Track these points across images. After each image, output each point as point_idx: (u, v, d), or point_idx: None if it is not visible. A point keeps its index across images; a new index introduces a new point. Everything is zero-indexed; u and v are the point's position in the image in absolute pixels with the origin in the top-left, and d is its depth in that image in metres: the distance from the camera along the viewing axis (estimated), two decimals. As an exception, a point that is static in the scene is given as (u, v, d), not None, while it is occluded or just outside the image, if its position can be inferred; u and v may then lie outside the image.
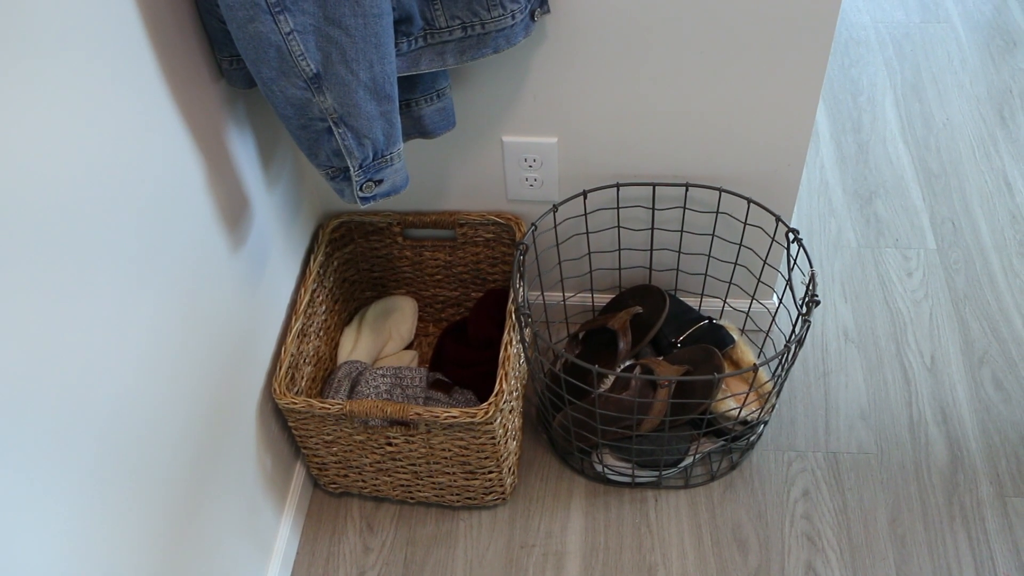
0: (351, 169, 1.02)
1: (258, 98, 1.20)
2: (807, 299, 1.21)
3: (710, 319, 1.49)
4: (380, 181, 1.06)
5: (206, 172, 1.05)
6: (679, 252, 1.45)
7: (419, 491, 1.38)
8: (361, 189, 1.05)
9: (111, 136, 0.85)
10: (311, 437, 1.31)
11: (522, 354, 1.37)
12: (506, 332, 1.27)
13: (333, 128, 0.98)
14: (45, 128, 0.75)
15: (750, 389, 1.24)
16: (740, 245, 1.39)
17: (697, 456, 1.41)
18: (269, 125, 1.25)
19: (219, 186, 1.09)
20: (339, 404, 1.21)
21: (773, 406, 1.39)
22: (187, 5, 1.00)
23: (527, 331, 1.32)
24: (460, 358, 1.49)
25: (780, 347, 1.58)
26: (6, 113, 0.69)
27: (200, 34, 1.05)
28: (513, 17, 1.06)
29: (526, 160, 1.35)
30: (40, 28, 0.74)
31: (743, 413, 1.36)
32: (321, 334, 1.44)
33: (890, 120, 2.06)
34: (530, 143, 1.33)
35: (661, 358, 1.43)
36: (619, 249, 1.44)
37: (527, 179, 1.38)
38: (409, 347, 1.61)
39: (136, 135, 0.90)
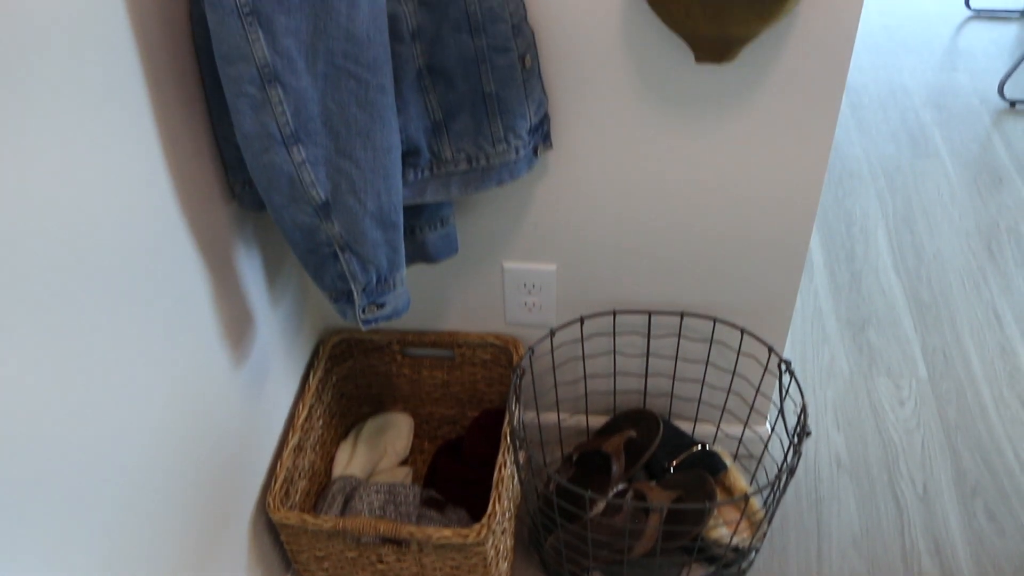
0: (355, 293, 1.06)
1: (267, 219, 1.24)
2: (798, 430, 1.23)
3: (703, 444, 1.51)
4: (382, 305, 1.09)
5: (213, 289, 1.09)
6: (673, 378, 1.48)
7: (409, 612, 1.37)
8: (363, 312, 1.08)
9: (125, 253, 0.89)
10: (303, 552, 1.31)
11: (516, 476, 1.39)
12: (501, 454, 1.29)
13: (339, 253, 1.02)
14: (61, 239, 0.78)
15: (742, 516, 1.25)
16: (734, 373, 1.41)
17: (689, 584, 1.40)
18: (276, 245, 1.29)
19: (225, 303, 1.13)
20: (332, 521, 1.22)
21: (765, 533, 1.39)
22: (205, 132, 1.05)
23: (521, 453, 1.33)
24: (454, 476, 1.50)
25: (773, 473, 1.59)
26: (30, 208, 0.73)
27: (216, 158, 1.10)
28: (517, 152, 1.12)
29: (525, 285, 1.39)
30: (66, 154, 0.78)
31: (735, 539, 1.37)
32: (317, 448, 1.46)
33: (882, 250, 2.11)
34: (530, 269, 1.37)
35: (654, 482, 1.44)
36: (614, 374, 1.47)
37: (526, 303, 1.42)
38: (404, 463, 1.62)
39: (149, 252, 0.94)
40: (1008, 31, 2.90)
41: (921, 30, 2.92)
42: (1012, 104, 2.55)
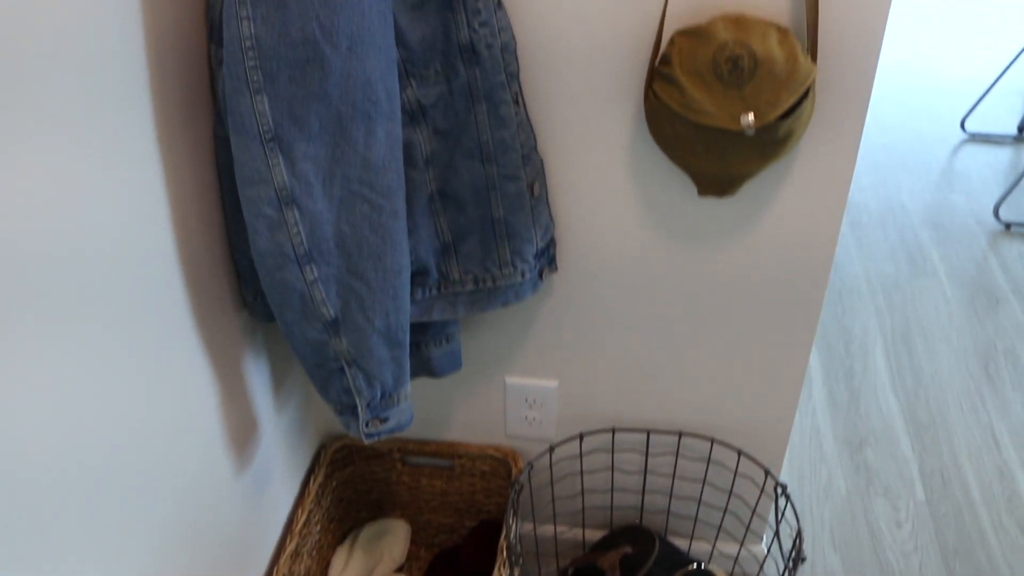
0: (359, 407, 1.08)
1: (277, 328, 1.27)
2: (793, 556, 1.23)
3: (699, 563, 1.50)
4: (386, 419, 1.11)
5: (220, 396, 1.11)
6: (670, 496, 1.48)
7: None
8: (367, 426, 1.10)
9: (136, 359, 0.91)
10: (294, 665, 1.30)
11: (511, 590, 1.38)
12: (497, 568, 1.29)
13: (346, 369, 1.05)
14: (72, 362, 0.81)
15: (736, 644, 1.24)
16: (730, 493, 1.42)
17: None
18: (284, 353, 1.32)
19: (231, 410, 1.14)
20: (326, 635, 1.21)
21: (760, 660, 1.38)
22: (221, 243, 1.09)
23: (517, 570, 1.33)
24: (449, 587, 1.50)
25: (769, 595, 1.58)
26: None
27: (230, 268, 1.13)
28: (523, 276, 1.15)
29: (527, 400, 1.41)
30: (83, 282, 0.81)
31: (730, 666, 1.35)
32: (314, 553, 1.45)
33: (880, 369, 2.13)
34: (531, 385, 1.39)
35: (649, 602, 1.43)
36: (612, 490, 1.48)
37: (527, 417, 1.43)
38: (400, 570, 1.61)
39: (159, 360, 0.96)
40: (1002, 154, 2.98)
41: (919, 150, 2.99)
42: (1007, 226, 2.61)
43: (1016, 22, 3.70)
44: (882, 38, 1.02)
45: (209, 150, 1.06)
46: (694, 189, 1.16)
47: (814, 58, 1.01)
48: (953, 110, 3.21)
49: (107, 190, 0.84)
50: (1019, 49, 3.47)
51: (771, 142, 1.00)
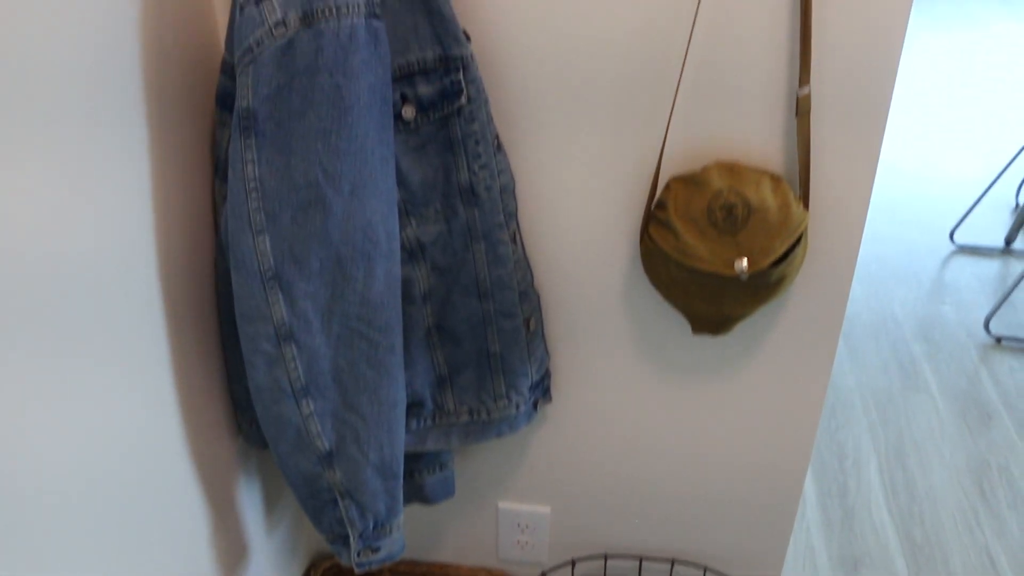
0: (351, 537, 1.07)
1: (271, 456, 1.27)
2: None
3: None
4: (378, 549, 1.10)
5: (212, 520, 1.10)
6: (664, 624, 1.46)
7: None
8: (358, 555, 1.09)
9: (129, 480, 0.91)
10: None
11: None
12: None
13: (339, 500, 1.04)
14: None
15: None
16: (724, 623, 1.40)
17: None
18: (277, 477, 1.31)
19: (222, 534, 1.13)
20: None
21: None
22: (218, 371, 1.10)
23: None
24: None
25: None
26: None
27: (225, 396, 1.13)
28: (517, 408, 1.15)
29: (519, 525, 1.40)
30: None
31: None
32: None
33: (874, 486, 2.12)
34: (524, 511, 1.38)
35: None
36: (604, 617, 1.45)
37: (519, 541, 1.42)
38: None
39: (152, 482, 0.96)
40: (990, 267, 3.01)
41: (909, 261, 3.03)
42: (998, 340, 2.63)
43: (1003, 134, 3.79)
44: (871, 187, 1.05)
45: (209, 280, 1.07)
46: (688, 326, 1.17)
47: (806, 205, 1.03)
48: (942, 221, 3.26)
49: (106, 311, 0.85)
50: (1006, 162, 3.55)
51: (764, 286, 1.01)
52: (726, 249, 0.99)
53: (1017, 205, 3.37)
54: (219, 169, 1.04)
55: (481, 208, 1.04)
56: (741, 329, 1.16)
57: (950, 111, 3.92)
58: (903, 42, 0.97)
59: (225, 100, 1.01)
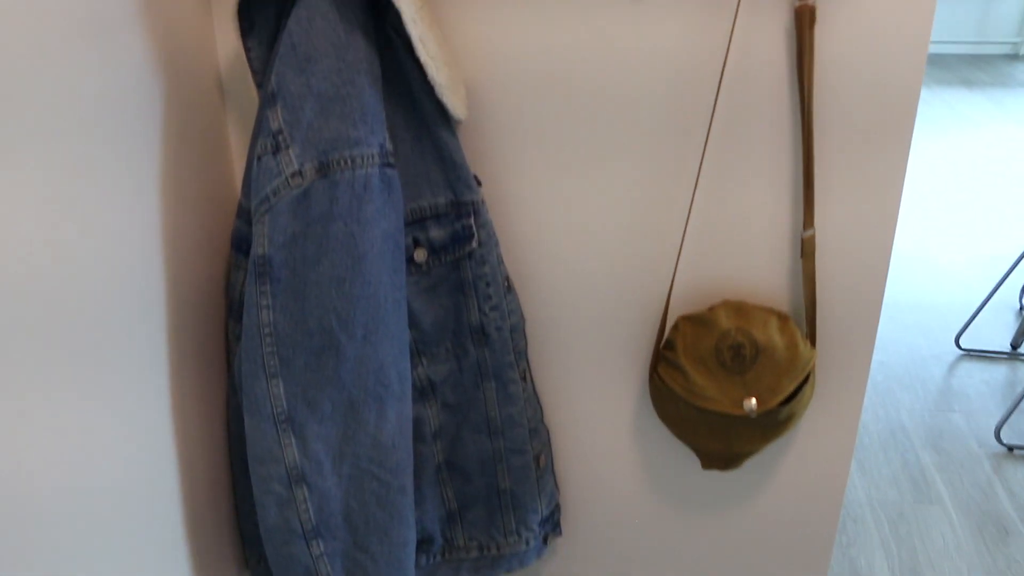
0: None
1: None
2: None
3: None
4: None
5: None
6: None
7: None
8: None
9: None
10: None
11: None
12: None
13: (347, 639, 1.02)
14: None
15: None
16: None
17: None
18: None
19: None
20: None
21: None
22: (227, 506, 1.09)
23: None
24: None
25: None
26: None
27: (234, 530, 1.13)
28: (527, 543, 1.14)
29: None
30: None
31: None
32: None
33: (890, 605, 2.08)
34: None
35: None
36: None
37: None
38: None
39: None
40: (998, 372, 3.01)
41: (915, 368, 3.03)
42: (1010, 449, 2.61)
43: (1004, 235, 3.83)
44: (877, 323, 1.06)
45: (221, 419, 1.08)
46: (697, 461, 1.17)
47: (813, 343, 1.04)
48: (947, 326, 3.26)
49: (118, 447, 0.85)
50: (1008, 263, 3.57)
51: (773, 424, 1.02)
52: (735, 389, 1.00)
53: (1021, 308, 3.39)
54: (232, 310, 1.06)
55: (491, 348, 1.05)
56: (751, 462, 1.16)
57: (949, 214, 3.97)
58: (903, 187, 1.00)
59: (240, 244, 1.03)
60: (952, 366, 3.06)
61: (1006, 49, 5.70)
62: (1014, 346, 3.13)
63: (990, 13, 5.60)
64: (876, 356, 3.07)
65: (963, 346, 3.14)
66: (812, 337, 1.04)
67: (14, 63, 0.70)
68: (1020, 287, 3.47)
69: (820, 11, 0.95)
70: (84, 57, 0.80)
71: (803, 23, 0.93)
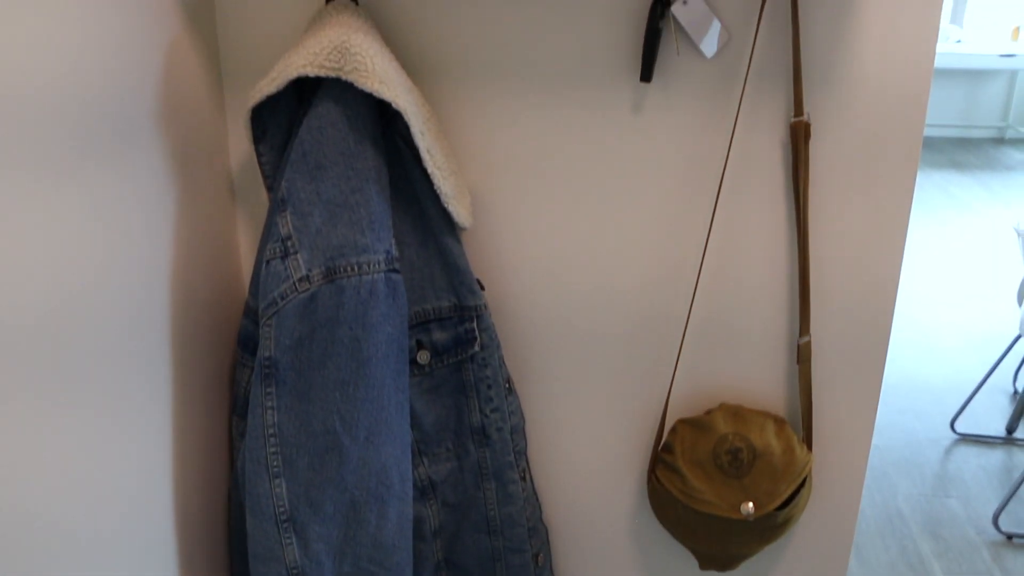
0: None
1: None
2: None
3: None
4: None
5: None
6: None
7: None
8: None
9: None
10: None
11: None
12: None
13: None
14: None
15: None
16: None
17: None
18: None
19: None
20: None
21: None
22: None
23: None
24: None
25: None
26: None
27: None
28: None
29: None
30: None
31: None
32: None
33: None
34: None
35: None
36: None
37: None
38: None
39: None
40: (994, 457, 3.01)
41: (911, 452, 3.03)
42: (1009, 537, 2.59)
43: (996, 317, 3.86)
44: (873, 426, 1.08)
45: (222, 513, 1.08)
46: (695, 561, 1.17)
47: (810, 447, 1.05)
48: (942, 409, 3.27)
49: (120, 545, 0.86)
50: (1001, 346, 3.60)
51: (770, 528, 1.03)
52: (732, 493, 1.01)
53: (1015, 391, 3.40)
54: (236, 407, 1.07)
55: (492, 448, 1.06)
56: (749, 560, 1.16)
57: (941, 295, 4.01)
58: (896, 295, 1.02)
59: (246, 342, 1.04)
60: (948, 450, 3.06)
61: (992, 133, 5.82)
62: (1009, 431, 3.13)
63: (976, 98, 5.72)
64: (873, 433, 3.07)
65: (958, 430, 3.15)
66: (809, 441, 1.05)
67: (37, 166, 0.72)
68: (1014, 370, 3.49)
69: (814, 126, 0.98)
70: (105, 156, 0.82)
71: (798, 137, 0.97)
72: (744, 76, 0.98)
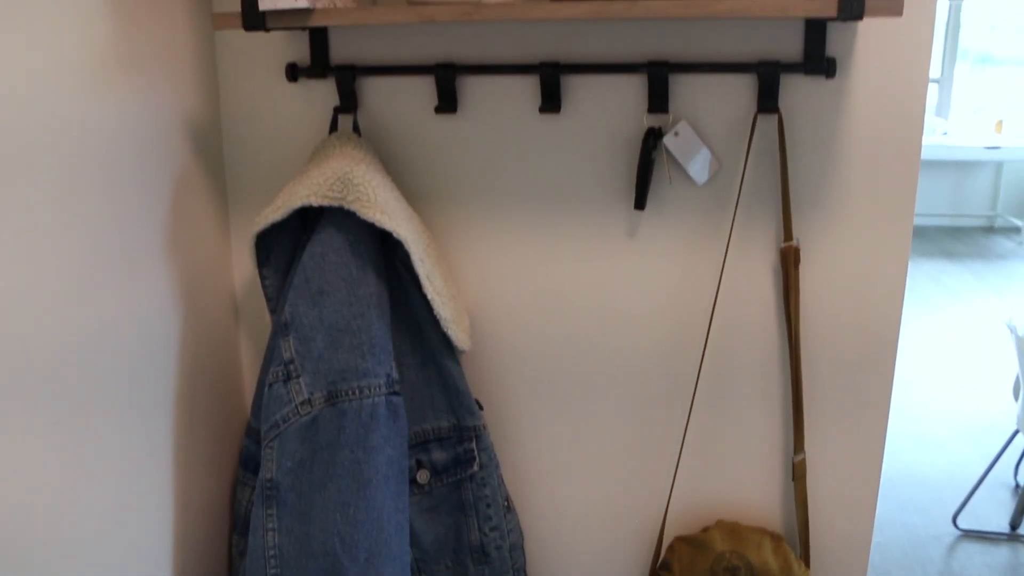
0: None
1: None
2: None
3: None
4: None
5: None
6: None
7: None
8: None
9: None
10: None
11: None
12: None
13: None
14: None
15: None
16: None
17: None
18: None
19: None
20: None
21: None
22: None
23: None
24: None
25: None
26: None
27: None
28: None
29: None
30: None
31: None
32: None
33: None
34: None
35: None
36: None
37: None
38: None
39: None
40: (999, 554, 2.98)
41: (913, 549, 3.00)
42: (1014, 638, 2.55)
43: (993, 410, 3.86)
44: (870, 541, 1.08)
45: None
46: None
47: (807, 563, 1.06)
48: (943, 504, 3.25)
49: None
50: (1000, 439, 3.58)
51: (772, 648, 1.02)
52: (733, 608, 1.01)
53: (1017, 485, 3.38)
54: (237, 525, 1.08)
55: (491, 566, 1.06)
56: None
57: (936, 385, 4.01)
58: (889, 410, 1.04)
59: (248, 462, 1.05)
60: (951, 547, 3.03)
61: (982, 222, 5.90)
62: (1013, 526, 3.11)
63: (964, 187, 5.83)
64: (872, 537, 3.04)
65: (961, 526, 3.12)
66: (806, 557, 1.06)
67: (53, 294, 0.75)
68: (1014, 464, 3.48)
69: (804, 251, 1.01)
70: (114, 282, 0.85)
71: (788, 263, 1.00)
72: (735, 203, 1.01)
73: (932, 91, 5.71)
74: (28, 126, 0.74)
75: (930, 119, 5.47)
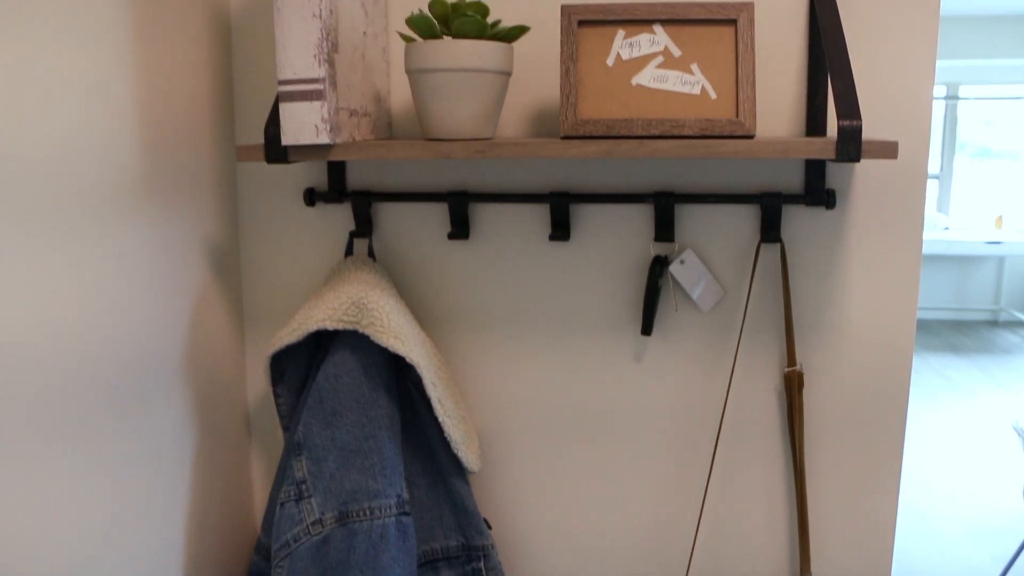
0: None
1: None
2: None
3: None
4: None
5: None
6: None
7: None
8: None
9: None
10: None
11: None
12: None
13: None
14: None
15: None
16: None
17: None
18: None
19: None
20: None
21: None
22: None
23: None
24: None
25: None
26: None
27: None
28: None
29: None
30: None
31: None
32: None
33: None
34: None
35: None
36: None
37: None
38: None
39: None
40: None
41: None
42: None
43: (1005, 512, 3.82)
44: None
45: None
46: None
47: None
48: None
49: None
50: (1010, 542, 3.53)
51: None
52: None
53: (1028, 589, 3.32)
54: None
55: None
56: None
57: (944, 481, 3.97)
58: (895, 531, 1.04)
59: (256, 579, 1.06)
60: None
61: (986, 315, 5.92)
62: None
63: (967, 281, 5.86)
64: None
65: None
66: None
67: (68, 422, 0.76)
68: (1025, 567, 3.42)
69: (807, 375, 1.03)
70: (127, 403, 0.87)
71: (792, 386, 1.02)
72: (739, 329, 1.04)
73: (932, 186, 5.80)
74: (66, 244, 0.77)
75: (931, 214, 5.54)
